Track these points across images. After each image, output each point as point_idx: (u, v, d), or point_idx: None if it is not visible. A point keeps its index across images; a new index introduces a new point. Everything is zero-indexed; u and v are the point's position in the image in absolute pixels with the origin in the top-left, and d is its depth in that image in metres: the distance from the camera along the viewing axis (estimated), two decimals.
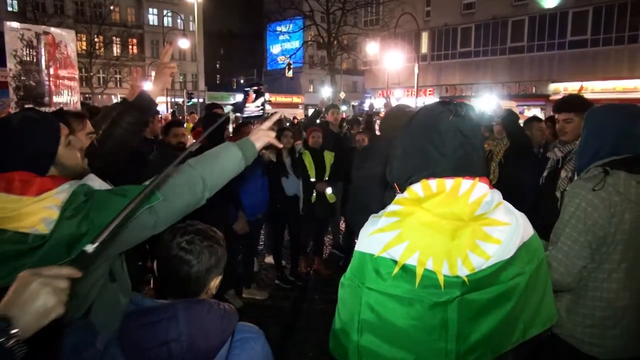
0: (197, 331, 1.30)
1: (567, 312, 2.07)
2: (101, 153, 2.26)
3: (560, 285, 1.97)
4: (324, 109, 7.41)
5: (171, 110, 25.03)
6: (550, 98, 24.25)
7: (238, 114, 2.26)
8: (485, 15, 28.50)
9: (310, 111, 9.58)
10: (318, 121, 7.38)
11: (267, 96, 2.31)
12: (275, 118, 2.11)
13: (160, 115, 11.66)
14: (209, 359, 1.32)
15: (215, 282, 1.51)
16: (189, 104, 30.68)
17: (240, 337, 1.41)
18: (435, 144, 1.29)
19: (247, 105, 2.17)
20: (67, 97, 3.52)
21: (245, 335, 1.42)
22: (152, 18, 45.90)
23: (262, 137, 1.92)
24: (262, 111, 2.17)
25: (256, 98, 2.19)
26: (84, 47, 37.83)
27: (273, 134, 1.98)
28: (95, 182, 1.75)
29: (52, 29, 3.47)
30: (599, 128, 2.12)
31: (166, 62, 2.31)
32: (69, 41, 3.53)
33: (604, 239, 1.94)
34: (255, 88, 2.23)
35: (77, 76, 3.71)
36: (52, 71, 3.40)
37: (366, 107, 25.13)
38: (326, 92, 31.11)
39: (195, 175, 1.69)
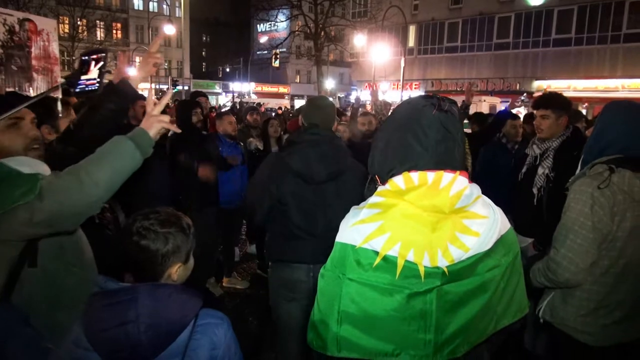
0: (156, 314, 1.31)
1: (562, 302, 2.15)
2: (78, 139, 2.22)
3: (571, 283, 2.03)
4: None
5: (157, 97, 24.72)
6: (534, 95, 24.58)
7: (77, 88, 1.97)
8: (472, 11, 28.66)
9: (297, 102, 9.61)
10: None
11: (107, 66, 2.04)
12: (164, 100, 1.89)
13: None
14: (169, 342, 1.33)
15: (175, 269, 1.51)
16: (174, 91, 30.36)
17: (203, 323, 1.42)
18: (418, 138, 1.30)
19: (82, 77, 1.90)
20: (46, 85, 3.48)
21: (208, 320, 1.44)
22: (137, 2, 45.15)
23: (154, 123, 1.78)
24: (98, 84, 1.91)
25: (100, 72, 1.92)
26: (66, 30, 37.08)
27: (167, 118, 1.82)
28: (18, 162, 1.74)
29: (35, 17, 3.45)
30: (611, 125, 2.12)
31: (153, 51, 2.26)
32: (51, 29, 3.49)
33: (606, 237, 1.99)
34: (95, 57, 1.96)
35: (58, 64, 3.67)
36: (33, 57, 3.37)
37: (352, 99, 24.97)
38: (329, 84, 30.94)
39: (82, 176, 1.61)
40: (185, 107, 4.78)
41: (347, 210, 2.55)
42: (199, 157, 4.44)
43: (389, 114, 1.52)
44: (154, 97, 1.86)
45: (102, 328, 1.30)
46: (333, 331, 1.25)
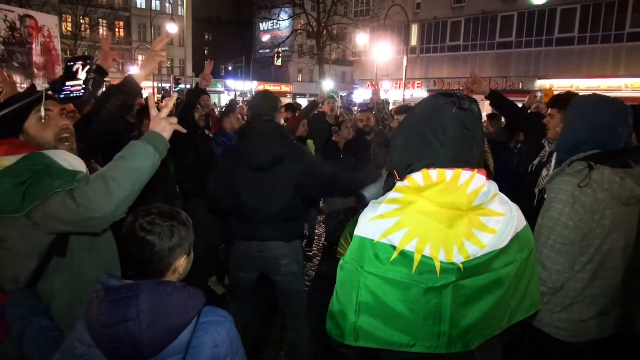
0: (157, 312, 1.32)
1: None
2: (86, 134, 2.28)
3: (557, 284, 1.98)
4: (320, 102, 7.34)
5: (159, 95, 24.80)
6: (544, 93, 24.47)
7: (62, 95, 1.93)
8: (475, 10, 28.58)
9: (299, 100, 9.68)
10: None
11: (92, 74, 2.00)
12: (171, 103, 1.94)
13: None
14: (170, 340, 1.34)
15: (181, 262, 1.53)
16: (176, 89, 30.36)
17: (206, 321, 1.43)
18: (437, 135, 1.32)
19: (68, 83, 1.92)
20: (47, 82, 3.51)
21: (210, 318, 1.45)
22: (140, 1, 45.13)
23: (166, 126, 1.84)
24: (84, 91, 1.92)
25: (87, 76, 1.93)
26: (69, 29, 37.10)
27: (175, 120, 1.87)
28: (57, 156, 1.81)
29: (35, 13, 3.47)
30: (583, 122, 2.09)
31: (158, 50, 2.30)
32: (52, 26, 3.52)
33: (586, 235, 1.97)
34: (81, 63, 1.97)
35: (60, 61, 3.70)
36: (35, 54, 3.39)
37: (354, 98, 24.73)
38: (328, 85, 30.85)
39: (110, 183, 1.66)
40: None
41: (292, 192, 2.91)
42: (200, 152, 4.46)
43: (409, 111, 1.56)
44: (158, 96, 1.90)
45: (103, 325, 1.31)
46: (351, 321, 1.29)
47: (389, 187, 1.40)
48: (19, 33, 3.31)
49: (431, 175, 1.30)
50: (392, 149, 1.46)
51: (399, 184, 1.36)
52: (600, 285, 2.04)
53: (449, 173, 1.29)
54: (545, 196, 2.08)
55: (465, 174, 1.28)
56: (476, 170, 1.30)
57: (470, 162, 1.31)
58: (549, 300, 2.05)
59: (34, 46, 3.37)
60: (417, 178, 1.31)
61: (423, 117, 1.39)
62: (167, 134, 1.84)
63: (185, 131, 1.94)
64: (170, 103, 1.95)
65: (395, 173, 1.43)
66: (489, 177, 1.35)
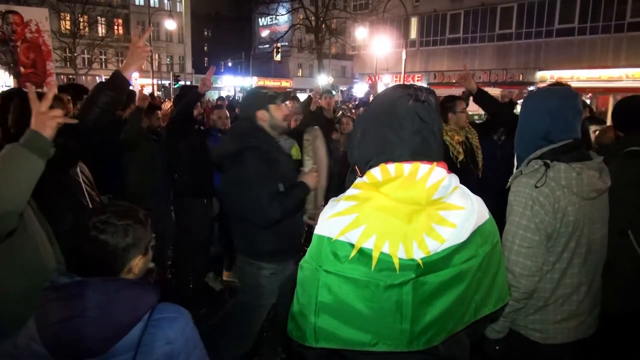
0: (104, 308, 1.31)
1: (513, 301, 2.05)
2: (77, 133, 2.27)
3: (529, 288, 1.93)
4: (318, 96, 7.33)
5: (159, 92, 24.75)
6: (537, 86, 24.39)
7: None
8: (474, 2, 28.41)
9: (300, 95, 9.70)
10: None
11: None
12: (50, 95, 1.75)
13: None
14: (118, 337, 1.32)
15: (136, 261, 1.50)
16: (176, 86, 30.34)
17: (158, 317, 1.41)
18: (394, 128, 1.30)
19: None
20: (37, 79, 3.44)
21: (163, 315, 1.43)
22: None
23: (46, 122, 1.68)
24: None
25: None
26: (67, 27, 37.03)
27: (58, 112, 1.72)
28: None
29: (19, 8, 3.39)
30: (531, 114, 2.09)
31: (142, 45, 2.28)
32: (42, 19, 3.43)
33: (551, 235, 1.94)
34: None
35: (51, 56, 3.63)
36: (21, 52, 3.32)
37: (354, 92, 24.58)
38: (322, 80, 30.77)
39: None
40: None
41: (237, 196, 2.83)
42: (195, 148, 4.45)
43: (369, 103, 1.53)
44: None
45: (48, 322, 1.30)
46: (311, 322, 1.26)
47: (351, 183, 1.37)
48: (2, 30, 3.23)
49: (389, 169, 1.27)
50: (352, 143, 1.43)
51: (357, 180, 1.34)
52: (570, 284, 2.00)
53: (406, 167, 1.26)
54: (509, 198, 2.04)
55: (423, 168, 1.26)
56: (435, 163, 1.28)
57: (428, 155, 1.29)
58: (525, 303, 2.00)
59: (19, 43, 3.29)
60: (376, 173, 1.29)
61: (380, 110, 1.36)
62: (48, 131, 1.69)
63: (75, 121, 1.83)
64: (50, 94, 1.76)
65: (357, 169, 1.40)
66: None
